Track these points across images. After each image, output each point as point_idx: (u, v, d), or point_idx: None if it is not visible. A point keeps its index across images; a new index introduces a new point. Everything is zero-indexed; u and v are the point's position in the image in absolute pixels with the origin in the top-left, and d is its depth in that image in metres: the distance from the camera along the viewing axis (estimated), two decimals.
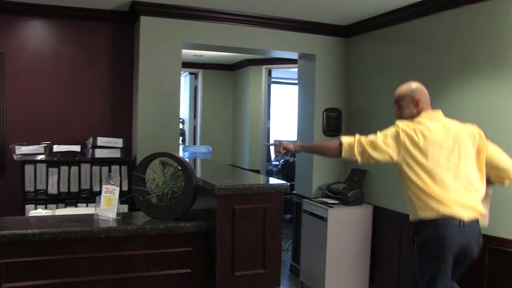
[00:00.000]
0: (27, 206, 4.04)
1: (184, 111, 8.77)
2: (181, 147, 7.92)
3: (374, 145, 2.60)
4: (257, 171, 7.41)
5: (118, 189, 2.47)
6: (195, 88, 8.20)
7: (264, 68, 7.34)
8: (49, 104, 4.48)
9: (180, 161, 2.46)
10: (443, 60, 3.75)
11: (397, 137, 2.58)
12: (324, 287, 4.38)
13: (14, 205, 4.12)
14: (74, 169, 4.27)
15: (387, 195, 4.37)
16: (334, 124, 4.93)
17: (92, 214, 2.48)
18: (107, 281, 2.33)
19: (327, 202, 4.51)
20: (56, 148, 4.23)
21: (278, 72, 7.84)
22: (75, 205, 4.20)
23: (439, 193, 2.49)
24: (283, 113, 8.81)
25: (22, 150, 4.09)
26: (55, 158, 4.21)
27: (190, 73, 8.33)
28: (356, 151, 2.63)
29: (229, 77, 8.13)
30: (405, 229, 4.04)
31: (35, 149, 4.15)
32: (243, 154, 7.75)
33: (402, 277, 4.15)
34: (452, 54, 3.66)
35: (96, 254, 2.30)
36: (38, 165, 4.18)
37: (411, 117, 2.70)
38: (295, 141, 3.04)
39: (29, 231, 2.18)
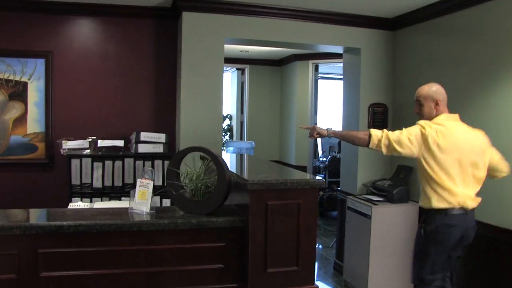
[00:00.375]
0: (73, 199, 4.15)
1: (232, 107, 8.81)
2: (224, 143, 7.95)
3: (399, 141, 2.91)
4: (304, 167, 7.33)
5: (152, 183, 2.48)
6: (242, 84, 8.19)
7: (310, 63, 7.24)
8: (95, 100, 4.59)
9: (213, 155, 2.44)
10: (497, 52, 3.53)
11: (421, 136, 2.89)
12: (367, 287, 4.24)
13: (61, 198, 4.23)
14: (118, 163, 4.35)
15: None
16: (380, 119, 4.77)
17: (127, 208, 2.49)
18: (141, 274, 2.34)
19: (371, 199, 4.38)
20: (101, 143, 4.32)
21: (325, 67, 7.71)
22: (119, 198, 4.26)
23: (452, 187, 2.87)
24: (330, 109, 8.66)
25: (68, 145, 4.21)
26: (100, 153, 4.30)
27: (238, 69, 8.34)
28: (383, 144, 2.94)
29: (276, 72, 8.06)
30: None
31: (80, 144, 4.26)
32: (290, 150, 7.68)
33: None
34: (508, 46, 3.43)
35: (129, 247, 2.31)
36: (84, 160, 4.29)
37: (430, 116, 3.02)
38: (328, 128, 3.26)
39: (64, 223, 2.22)
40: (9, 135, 4.38)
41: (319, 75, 7.57)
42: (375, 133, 2.97)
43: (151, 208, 2.45)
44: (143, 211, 2.44)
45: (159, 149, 4.46)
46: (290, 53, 7.21)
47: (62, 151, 4.22)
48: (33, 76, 4.40)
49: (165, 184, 2.56)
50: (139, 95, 4.71)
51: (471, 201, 2.92)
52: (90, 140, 4.31)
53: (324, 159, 7.88)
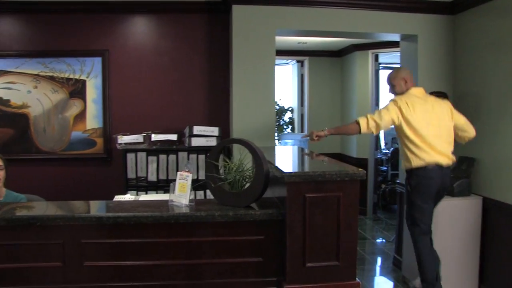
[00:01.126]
0: (130, 192, 4.28)
1: (293, 100, 8.74)
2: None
3: (380, 115, 3.52)
4: (365, 160, 7.15)
5: (191, 175, 2.48)
6: (302, 76, 8.09)
7: (370, 53, 7.02)
8: (149, 96, 4.71)
9: (251, 147, 2.40)
10: None
11: (395, 105, 3.53)
12: None
13: (118, 191, 4.35)
14: (172, 157, 4.44)
15: (499, 185, 3.92)
16: None
17: (167, 200, 2.52)
18: (180, 266, 2.35)
19: None
20: (155, 137, 4.42)
21: (386, 56, 7.44)
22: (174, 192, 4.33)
23: (426, 147, 3.48)
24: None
25: (123, 139, 4.34)
26: (154, 147, 4.40)
27: (297, 61, 8.25)
28: (371, 125, 3.52)
29: (335, 63, 7.89)
30: None
31: (135, 139, 4.38)
32: (351, 143, 7.51)
33: None
34: None
35: (167, 239, 2.33)
36: (139, 154, 4.41)
37: (402, 93, 3.69)
38: (324, 128, 3.77)
39: (104, 215, 2.28)
40: (70, 131, 4.59)
41: (380, 65, 7.31)
42: (361, 119, 3.56)
43: (191, 201, 2.46)
44: (182, 203, 2.45)
45: (212, 142, 4.49)
46: (349, 43, 7.03)
47: (118, 145, 4.36)
48: (91, 74, 4.57)
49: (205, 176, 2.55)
50: (193, 90, 4.78)
51: (444, 158, 3.51)
52: (145, 134, 4.43)
53: (387, 151, 7.63)
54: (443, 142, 3.54)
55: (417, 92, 3.67)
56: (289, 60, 8.52)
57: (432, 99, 3.67)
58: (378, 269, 5.07)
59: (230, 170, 2.47)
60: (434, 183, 3.51)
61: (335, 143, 7.86)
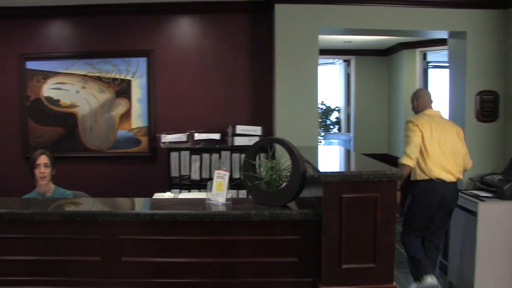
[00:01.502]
0: (172, 190, 4.35)
1: (339, 99, 8.64)
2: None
3: (410, 143, 3.84)
4: None
5: (228, 174, 2.49)
6: (348, 76, 7.98)
7: (418, 51, 6.82)
8: (193, 95, 4.77)
9: (287, 146, 2.38)
10: None
11: (414, 125, 3.84)
12: None
13: (162, 189, 4.45)
14: (215, 156, 4.48)
15: None
16: (490, 108, 4.37)
17: (205, 199, 2.53)
18: (214, 264, 2.36)
19: (478, 195, 4.03)
20: (198, 136, 4.47)
21: (435, 55, 7.21)
22: None
23: (431, 164, 3.79)
24: (442, 100, 8.08)
25: (167, 138, 4.42)
26: (197, 146, 4.45)
27: (344, 61, 8.15)
28: (412, 157, 3.81)
29: (382, 62, 7.73)
30: None
31: (178, 138, 4.45)
32: (398, 143, 7.33)
33: None
34: None
35: (203, 237, 2.34)
36: (182, 153, 4.48)
37: (415, 111, 4.12)
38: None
39: (141, 212, 2.32)
40: (116, 130, 4.72)
41: (429, 64, 7.09)
42: (404, 159, 3.84)
43: (227, 199, 2.47)
44: (219, 201, 2.46)
45: (255, 141, 4.49)
46: (396, 42, 6.86)
47: (161, 144, 4.44)
48: (136, 74, 4.68)
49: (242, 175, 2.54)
50: (236, 89, 4.80)
51: (448, 175, 3.80)
52: (188, 133, 4.49)
53: None
54: (450, 161, 3.82)
55: (432, 113, 3.97)
56: (336, 60, 8.42)
57: (446, 121, 4.01)
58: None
59: (267, 169, 2.45)
60: (433, 196, 3.80)
61: (381, 143, 7.72)
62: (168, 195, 2.95)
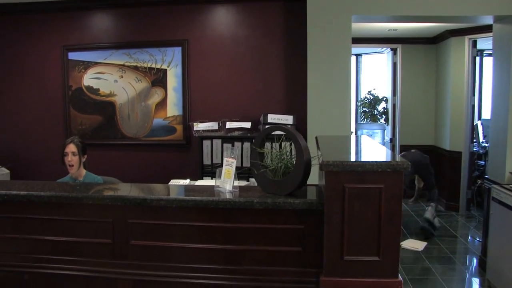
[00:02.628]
0: (205, 178, 4.42)
1: (387, 89, 8.40)
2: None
3: None
4: (459, 153, 6.68)
5: (235, 162, 2.50)
6: (394, 65, 7.72)
7: (467, 39, 6.49)
8: (227, 84, 4.80)
9: (292, 135, 2.36)
10: None
11: None
12: None
13: (195, 177, 4.53)
14: (247, 144, 4.50)
15: None
16: None
17: (214, 186, 2.56)
18: (219, 250, 2.38)
19: None
20: (229, 125, 4.51)
21: (486, 43, 6.83)
22: (247, 179, 4.41)
23: None
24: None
25: (199, 127, 4.49)
26: (229, 135, 4.49)
27: (391, 49, 7.90)
28: None
29: (430, 51, 7.44)
30: None
31: (210, 126, 4.50)
32: (444, 135, 7.06)
33: None
34: None
35: (207, 224, 2.37)
36: (214, 141, 4.53)
37: None
38: None
39: (148, 197, 2.37)
40: (152, 118, 4.84)
41: (483, 52, 6.74)
42: None
43: (235, 187, 2.48)
44: (226, 189, 2.48)
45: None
46: (444, 29, 6.56)
47: (194, 133, 4.52)
48: (171, 64, 4.77)
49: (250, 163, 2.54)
50: (270, 78, 4.79)
51: None
52: (220, 122, 4.53)
53: (486, 144, 7.04)
54: None
55: None
56: (384, 48, 8.18)
57: None
58: (462, 270, 4.71)
59: (272, 158, 2.44)
60: None
61: (428, 135, 7.46)
62: (183, 182, 2.99)
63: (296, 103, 4.72)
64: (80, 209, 2.47)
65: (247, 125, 4.48)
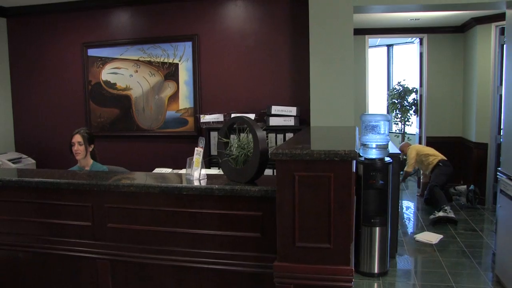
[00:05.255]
0: (212, 169, 4.58)
1: (417, 80, 8.24)
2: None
3: None
4: (485, 145, 6.48)
5: (202, 150, 2.64)
6: (420, 55, 7.56)
7: (493, 26, 6.26)
8: (234, 76, 4.93)
9: (250, 126, 2.46)
10: None
11: None
12: None
13: (205, 167, 4.71)
14: (250, 136, 4.60)
15: None
16: None
17: (185, 174, 2.71)
18: (185, 234, 2.52)
19: None
20: (233, 116, 4.63)
21: None
22: None
23: None
24: None
25: (205, 118, 4.65)
26: (235, 126, 4.61)
27: (420, 39, 7.73)
28: None
29: (458, 40, 7.23)
30: None
31: (215, 118, 4.65)
32: (471, 126, 6.86)
33: None
34: None
35: (174, 209, 2.52)
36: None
37: None
38: None
39: (120, 183, 2.55)
40: (165, 111, 5.05)
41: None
42: None
43: (203, 175, 2.61)
44: (194, 176, 2.62)
45: (290, 122, 4.57)
46: (469, 17, 6.36)
47: (201, 124, 4.68)
48: (182, 58, 4.95)
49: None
50: (277, 70, 4.88)
51: None
52: (225, 114, 4.67)
53: None
54: None
55: None
56: (414, 38, 8.01)
57: None
58: (473, 265, 4.61)
59: (232, 147, 2.56)
60: None
61: (456, 126, 7.27)
62: (165, 170, 3.16)
63: (301, 94, 4.78)
64: (64, 195, 2.69)
65: (251, 116, 4.58)
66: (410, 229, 5.97)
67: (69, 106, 5.33)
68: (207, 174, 2.68)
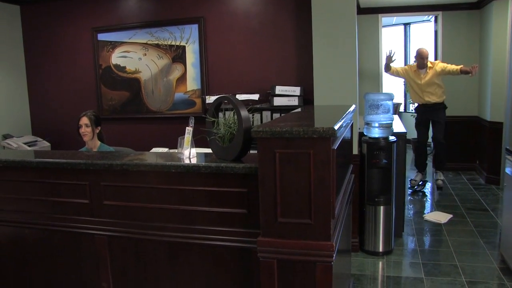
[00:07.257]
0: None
1: (432, 59, 8.09)
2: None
3: None
4: (499, 124, 6.36)
5: (191, 129, 2.73)
6: (436, 33, 7.41)
7: (510, 2, 6.08)
8: (240, 58, 4.99)
9: (234, 105, 2.52)
10: None
11: None
12: None
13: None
14: (257, 116, 4.68)
15: None
16: None
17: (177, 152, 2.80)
18: (176, 211, 2.62)
19: None
20: (238, 97, 4.70)
21: None
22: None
23: None
24: None
25: (211, 99, 4.72)
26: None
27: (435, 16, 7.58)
28: None
29: (474, 17, 7.05)
30: None
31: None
32: (486, 105, 6.74)
33: None
34: None
35: (165, 186, 2.61)
36: (226, 113, 4.72)
37: None
38: None
39: (113, 162, 2.66)
40: (173, 93, 5.15)
41: None
42: None
43: (193, 153, 2.70)
44: (184, 154, 2.70)
45: (294, 101, 4.61)
46: None
47: (206, 105, 4.76)
48: (189, 40, 5.02)
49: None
50: (281, 51, 4.91)
51: None
52: (231, 94, 4.72)
53: None
54: None
55: None
56: (431, 16, 7.85)
57: None
58: (480, 244, 4.59)
59: (221, 126, 2.62)
60: None
61: (471, 105, 7.13)
62: (161, 149, 3.25)
63: (306, 74, 4.80)
64: (63, 174, 2.82)
65: (255, 97, 4.65)
66: (418, 209, 5.96)
67: (82, 90, 5.48)
68: (198, 153, 2.76)
